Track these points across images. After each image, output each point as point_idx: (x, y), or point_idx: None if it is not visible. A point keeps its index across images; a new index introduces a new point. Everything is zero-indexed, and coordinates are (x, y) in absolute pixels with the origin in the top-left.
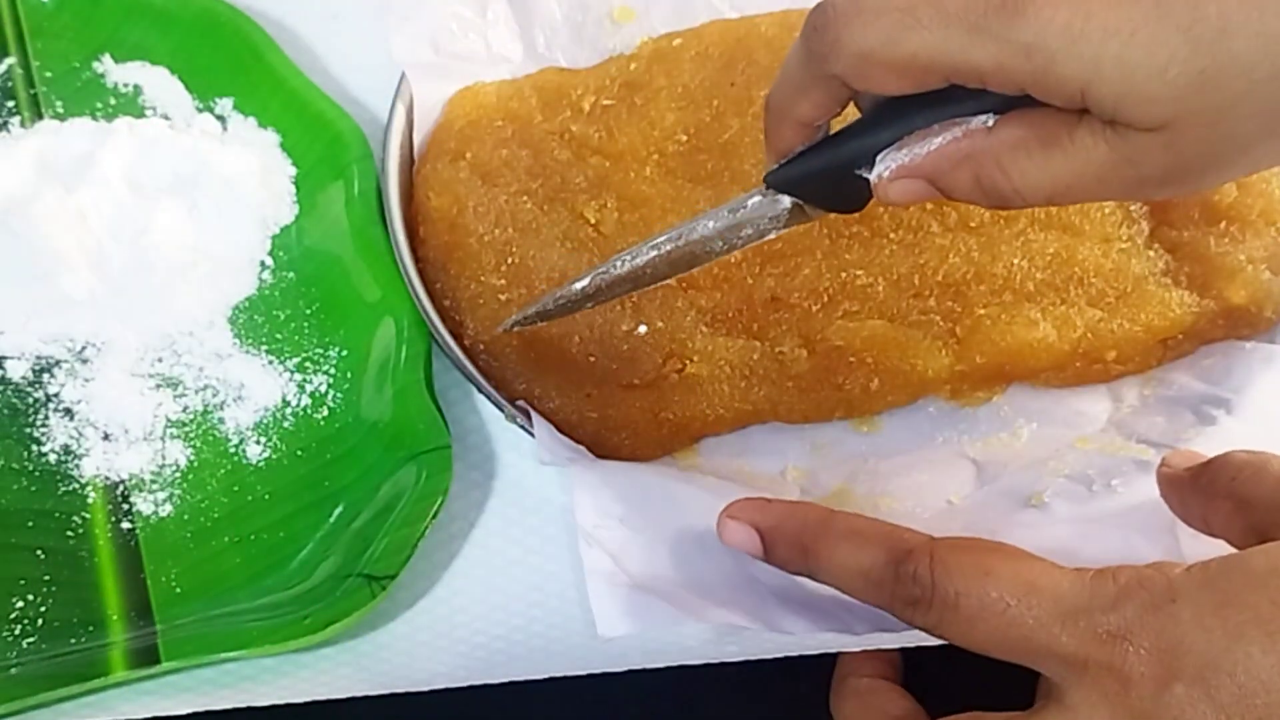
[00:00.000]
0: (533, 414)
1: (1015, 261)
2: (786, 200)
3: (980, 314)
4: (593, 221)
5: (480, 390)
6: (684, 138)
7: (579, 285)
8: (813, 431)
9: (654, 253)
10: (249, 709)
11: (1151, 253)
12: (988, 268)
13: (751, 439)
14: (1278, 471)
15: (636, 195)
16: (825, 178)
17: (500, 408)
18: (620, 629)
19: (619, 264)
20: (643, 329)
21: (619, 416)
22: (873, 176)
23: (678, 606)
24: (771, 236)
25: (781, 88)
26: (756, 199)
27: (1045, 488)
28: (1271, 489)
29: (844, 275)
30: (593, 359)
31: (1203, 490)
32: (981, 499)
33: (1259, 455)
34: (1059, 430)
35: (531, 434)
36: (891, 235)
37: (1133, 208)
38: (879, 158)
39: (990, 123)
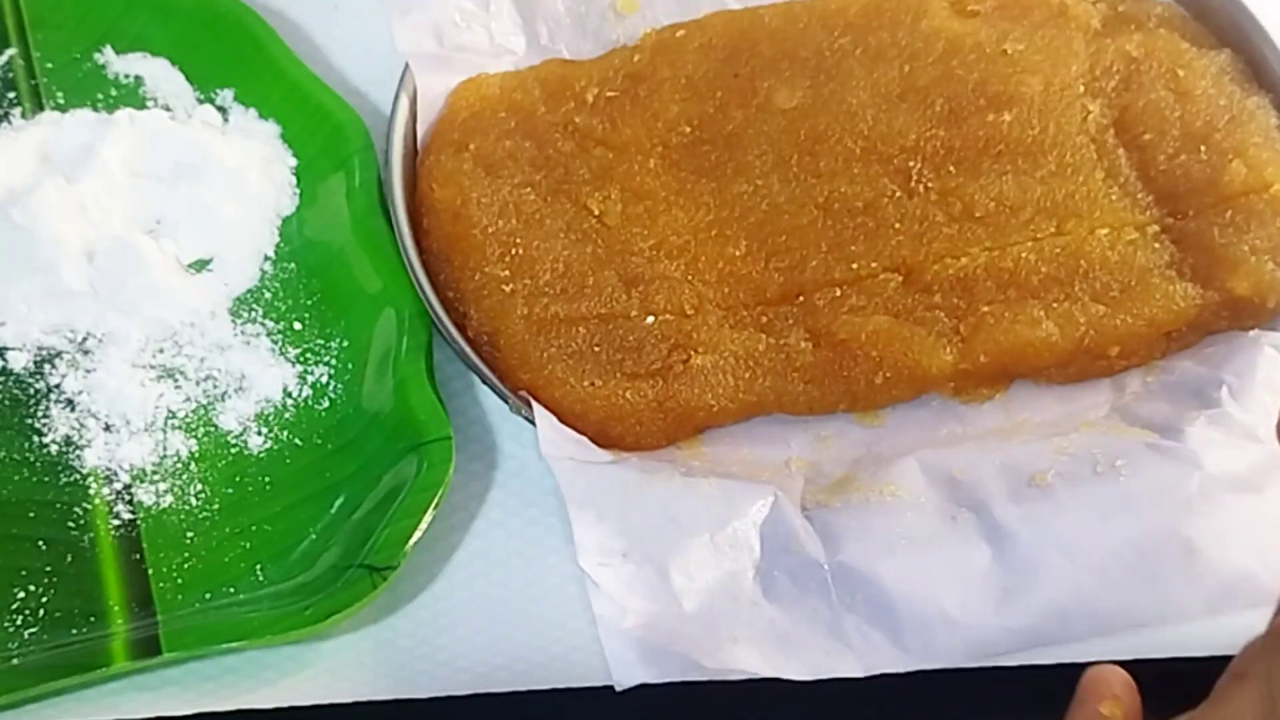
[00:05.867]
0: (535, 405)
1: (1023, 255)
2: None
3: (984, 311)
4: (596, 213)
5: (485, 381)
6: (688, 129)
7: None
8: (816, 424)
9: None
10: (252, 711)
11: (1157, 245)
12: (996, 261)
13: (755, 430)
14: None
15: (640, 187)
16: None
17: (504, 399)
18: (636, 678)
19: None
20: (650, 320)
21: (623, 407)
22: None
23: (688, 651)
24: None
25: None
26: None
27: (1049, 468)
28: None
29: (854, 266)
30: (598, 349)
31: None
32: (985, 473)
33: None
34: (1060, 420)
35: (534, 425)
36: (897, 226)
37: (1139, 194)
38: None
39: None
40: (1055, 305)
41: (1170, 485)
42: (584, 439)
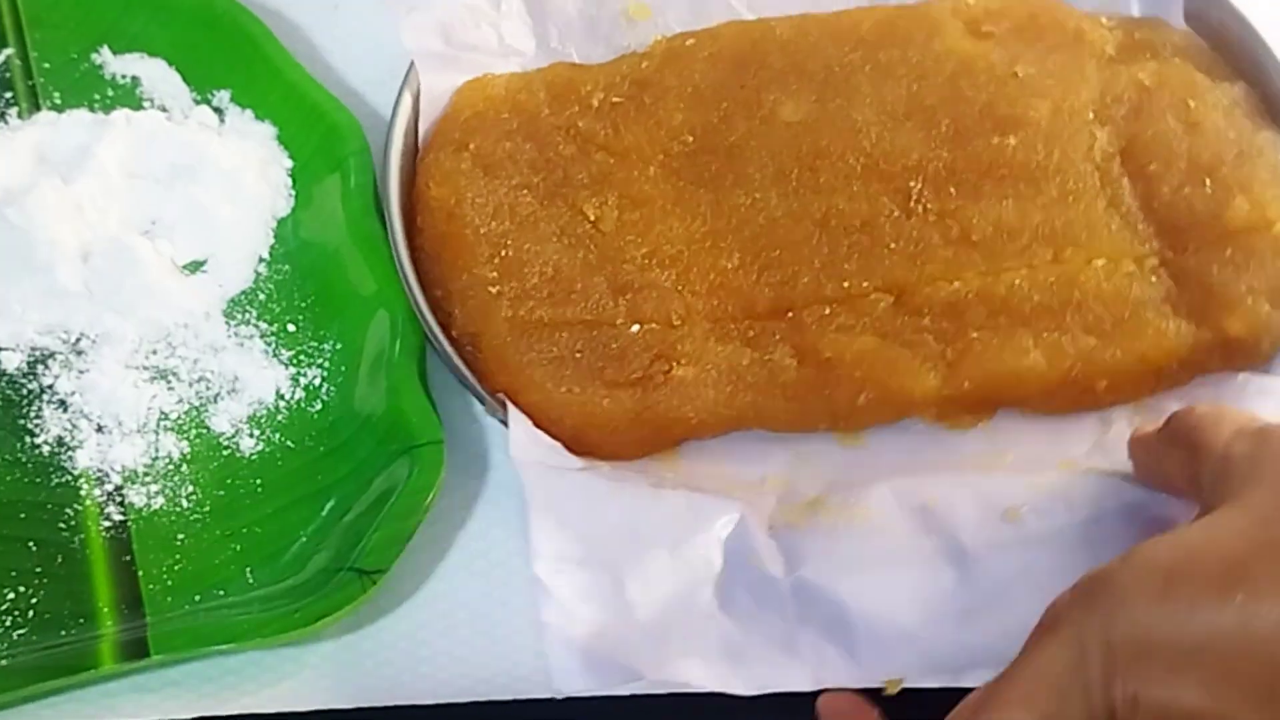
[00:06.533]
0: (510, 408)
1: (1016, 282)
2: None
3: (973, 337)
4: (592, 218)
5: (462, 381)
6: (690, 138)
7: None
8: (797, 442)
9: None
10: (246, 716)
11: (1154, 279)
12: (989, 287)
13: (735, 445)
14: (1231, 422)
15: (638, 194)
16: None
17: (481, 400)
18: (576, 686)
19: None
20: (635, 328)
21: (600, 415)
22: None
23: (633, 662)
24: None
25: None
26: None
27: (1023, 503)
28: (1224, 440)
29: (846, 285)
30: (579, 355)
31: (1165, 441)
32: (958, 503)
33: (1218, 408)
34: (1043, 452)
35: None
36: (893, 245)
37: (1140, 225)
38: None
39: None
40: (1045, 335)
41: (1142, 526)
42: (557, 445)
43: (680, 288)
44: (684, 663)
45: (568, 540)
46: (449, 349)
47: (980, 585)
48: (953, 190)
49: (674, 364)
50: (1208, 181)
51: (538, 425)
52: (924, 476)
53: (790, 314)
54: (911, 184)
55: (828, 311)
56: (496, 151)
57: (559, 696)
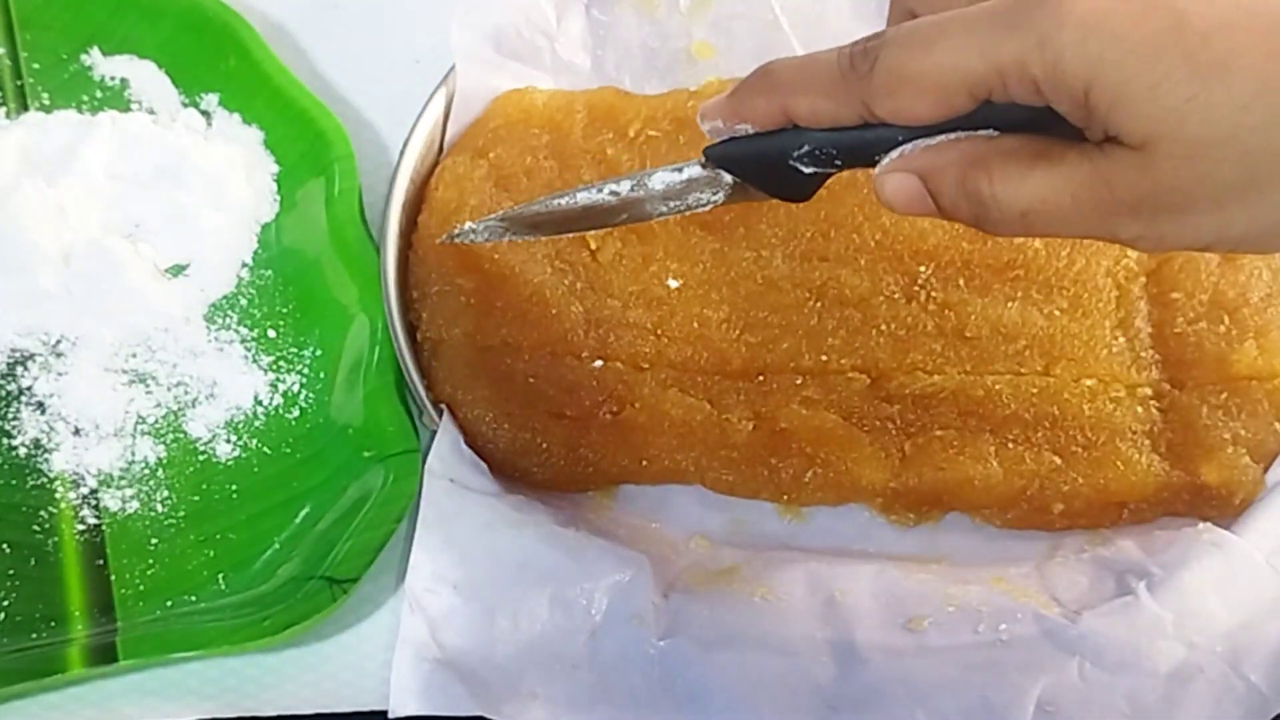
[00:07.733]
0: (444, 420)
1: (996, 386)
2: (728, 177)
3: (936, 434)
4: (592, 247)
5: (410, 385)
6: None
7: (534, 208)
8: (739, 505)
9: (612, 196)
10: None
11: (1141, 409)
12: (967, 387)
13: (674, 500)
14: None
15: (645, 231)
16: (762, 162)
17: (421, 408)
18: (410, 708)
19: (578, 196)
20: (598, 364)
21: (534, 443)
22: (876, 170)
23: (476, 695)
24: (721, 202)
25: (794, 73)
26: (697, 169)
27: (929, 614)
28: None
29: (824, 358)
30: (532, 380)
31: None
32: (865, 600)
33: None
34: (979, 565)
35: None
36: (883, 327)
37: (1144, 352)
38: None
39: (994, 135)
40: (1010, 445)
41: (1043, 662)
42: (481, 464)
43: (659, 331)
44: (530, 705)
45: (449, 562)
46: (405, 350)
47: (856, 686)
48: (961, 282)
49: (628, 406)
50: (1226, 319)
51: (471, 442)
52: (844, 566)
53: (760, 377)
54: (921, 268)
55: (799, 381)
56: (515, 165)
57: (392, 715)
